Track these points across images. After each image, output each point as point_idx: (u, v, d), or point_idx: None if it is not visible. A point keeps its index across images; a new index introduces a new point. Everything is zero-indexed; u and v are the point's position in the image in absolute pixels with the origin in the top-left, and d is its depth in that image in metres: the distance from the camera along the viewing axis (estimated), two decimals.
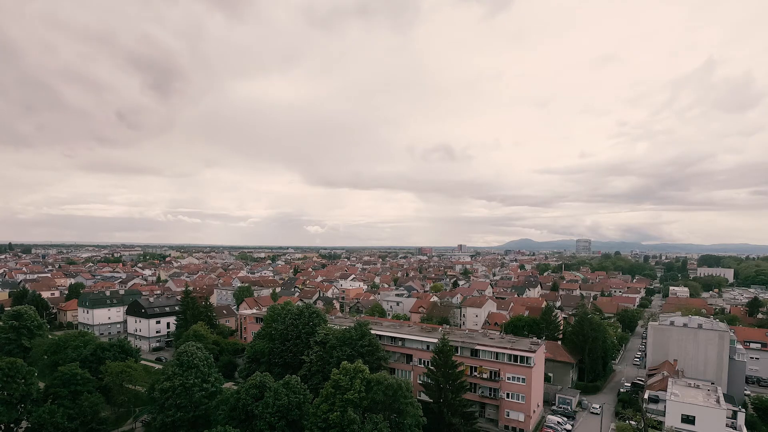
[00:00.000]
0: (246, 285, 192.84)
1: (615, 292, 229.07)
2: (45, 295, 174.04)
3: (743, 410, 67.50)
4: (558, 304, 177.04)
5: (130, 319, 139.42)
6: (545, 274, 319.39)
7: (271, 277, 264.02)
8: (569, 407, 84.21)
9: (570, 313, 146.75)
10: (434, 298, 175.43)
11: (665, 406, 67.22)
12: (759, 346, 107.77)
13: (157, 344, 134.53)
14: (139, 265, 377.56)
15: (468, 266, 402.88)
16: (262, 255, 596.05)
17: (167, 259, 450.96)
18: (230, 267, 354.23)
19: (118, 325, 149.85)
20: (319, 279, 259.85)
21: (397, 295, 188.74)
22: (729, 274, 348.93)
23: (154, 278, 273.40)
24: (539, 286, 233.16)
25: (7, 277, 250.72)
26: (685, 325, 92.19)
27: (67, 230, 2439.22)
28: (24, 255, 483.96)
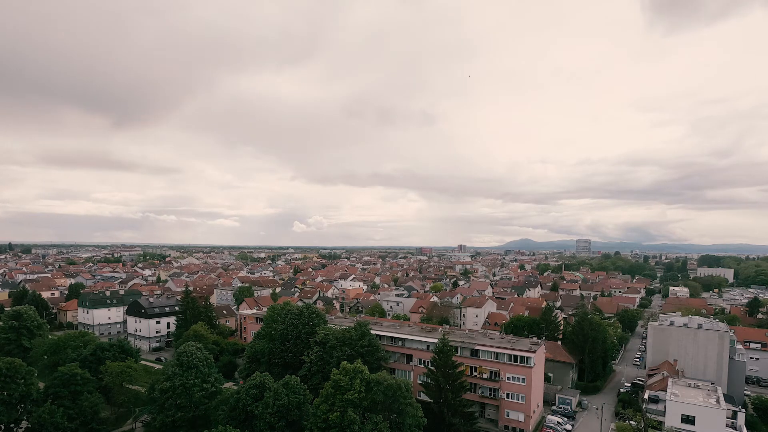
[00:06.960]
0: (246, 285, 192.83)
1: (615, 292, 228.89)
2: (45, 295, 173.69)
3: (743, 410, 67.52)
4: (558, 304, 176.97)
5: (130, 320, 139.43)
6: (545, 274, 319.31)
7: (271, 277, 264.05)
8: (569, 407, 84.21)
9: (570, 313, 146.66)
10: (434, 299, 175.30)
11: (665, 406, 67.21)
12: (759, 346, 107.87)
13: (157, 344, 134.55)
14: (139, 265, 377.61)
15: (468, 266, 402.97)
16: (262, 255, 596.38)
17: (167, 259, 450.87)
18: (230, 267, 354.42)
19: (118, 325, 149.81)
20: (319, 279, 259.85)
21: (397, 295, 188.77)
22: (729, 274, 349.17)
23: (154, 278, 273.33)
24: (539, 286, 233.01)
25: (7, 277, 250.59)
26: (685, 325, 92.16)
27: (46, 229, 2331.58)
28: (24, 255, 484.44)
